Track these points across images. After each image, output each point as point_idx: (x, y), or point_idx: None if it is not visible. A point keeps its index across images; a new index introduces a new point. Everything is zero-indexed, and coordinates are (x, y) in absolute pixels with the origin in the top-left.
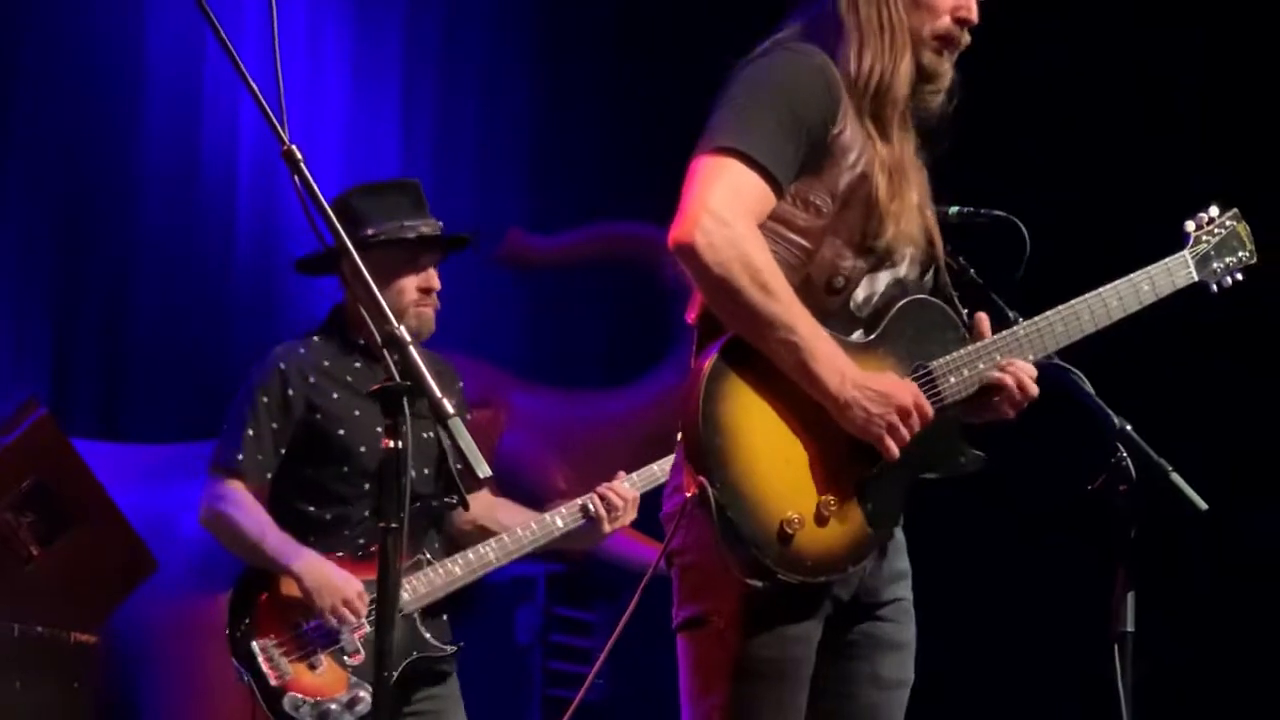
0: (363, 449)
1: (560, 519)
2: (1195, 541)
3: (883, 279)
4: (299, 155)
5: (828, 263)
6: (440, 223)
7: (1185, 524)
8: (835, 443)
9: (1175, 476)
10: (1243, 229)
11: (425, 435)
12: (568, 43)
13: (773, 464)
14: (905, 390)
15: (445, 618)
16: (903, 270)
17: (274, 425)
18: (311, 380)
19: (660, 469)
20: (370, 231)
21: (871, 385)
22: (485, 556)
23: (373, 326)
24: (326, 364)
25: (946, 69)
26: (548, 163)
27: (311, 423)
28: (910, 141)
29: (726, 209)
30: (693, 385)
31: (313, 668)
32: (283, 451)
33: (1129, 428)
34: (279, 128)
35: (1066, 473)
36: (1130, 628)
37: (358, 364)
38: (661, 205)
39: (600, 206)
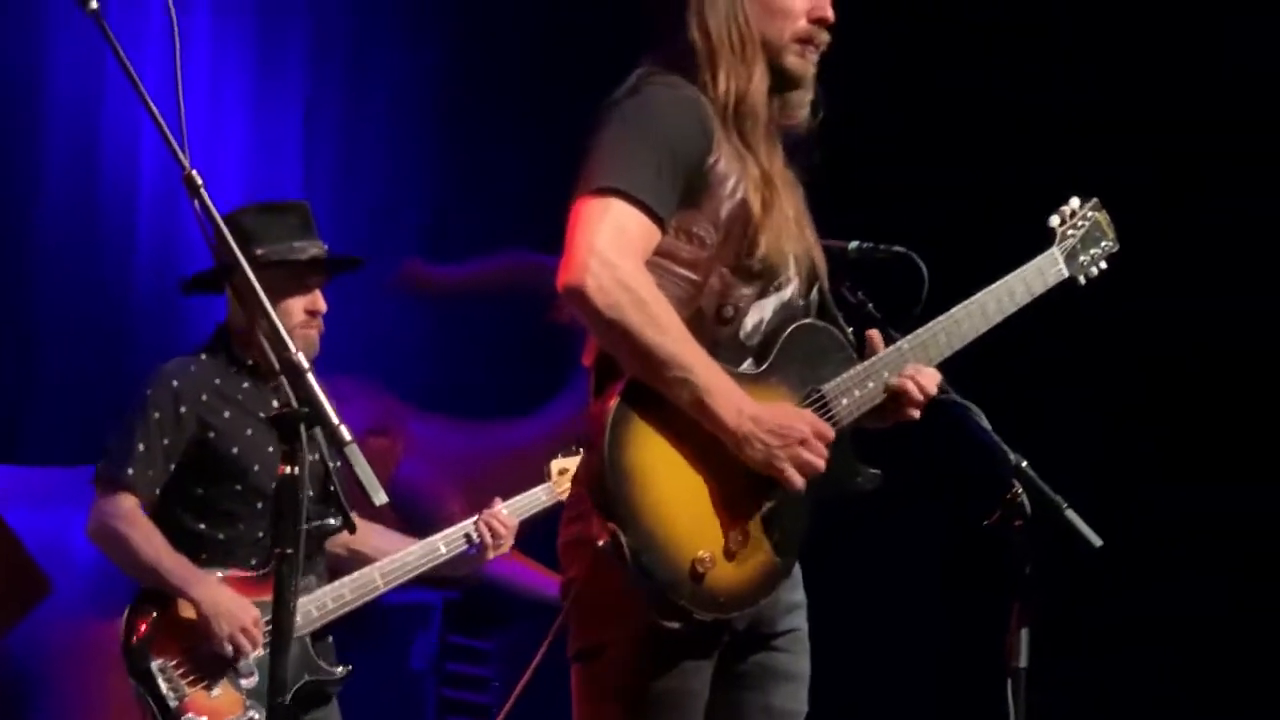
0: (255, 468)
1: (443, 544)
2: (1091, 576)
3: (770, 305)
4: (199, 180)
5: (716, 293)
6: (326, 246)
7: (1081, 559)
8: (737, 477)
9: (1070, 513)
10: (1103, 218)
11: (312, 458)
12: (475, 73)
13: (680, 504)
14: (801, 419)
15: (331, 640)
16: (788, 294)
17: (165, 441)
18: (204, 398)
19: (537, 496)
20: (260, 251)
21: (767, 418)
22: (373, 580)
23: (270, 352)
24: (217, 382)
25: (810, 71)
26: (450, 191)
27: (204, 440)
28: (778, 155)
29: (613, 250)
30: (596, 432)
31: (209, 689)
32: (173, 468)
33: (1025, 464)
34: (179, 152)
35: (963, 508)
36: (1024, 664)
37: (246, 384)
38: (562, 233)
39: (502, 236)
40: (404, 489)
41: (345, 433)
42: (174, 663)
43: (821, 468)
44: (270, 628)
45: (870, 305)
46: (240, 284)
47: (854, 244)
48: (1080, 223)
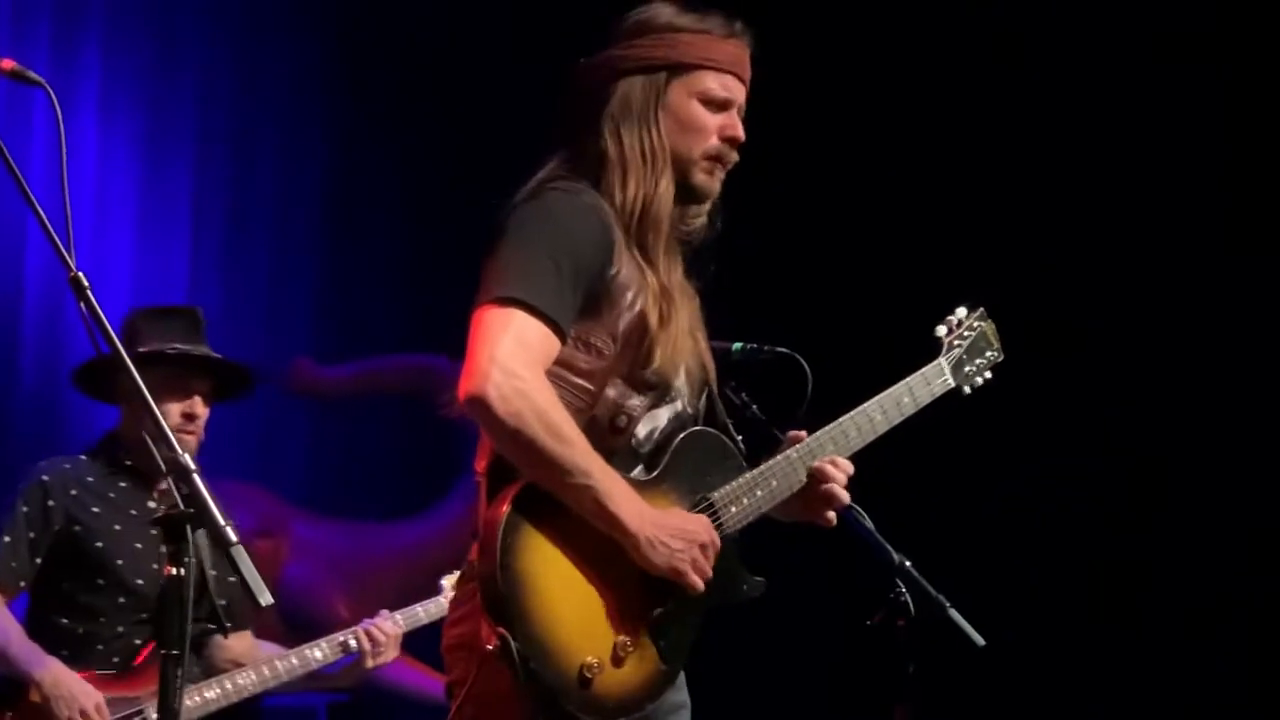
0: (120, 563)
1: (319, 651)
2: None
3: (663, 414)
4: (85, 281)
5: (611, 403)
6: (217, 355)
7: (964, 659)
8: (627, 583)
9: (953, 612)
10: (989, 328)
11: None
12: (358, 172)
13: (570, 610)
14: (700, 524)
15: None
16: (679, 404)
17: (30, 534)
18: (73, 493)
19: (425, 610)
20: (141, 350)
21: (669, 522)
22: (241, 684)
23: (154, 451)
24: (90, 480)
25: (716, 189)
26: (336, 292)
27: (71, 534)
28: (677, 266)
29: (514, 360)
30: (489, 537)
31: None
32: (38, 561)
33: (908, 563)
34: (65, 253)
35: (846, 607)
36: None
37: (123, 484)
38: (449, 335)
39: (388, 337)
40: (290, 591)
41: (231, 533)
42: None
43: (707, 573)
44: None
45: (755, 407)
46: (124, 382)
47: (738, 345)
48: (967, 333)
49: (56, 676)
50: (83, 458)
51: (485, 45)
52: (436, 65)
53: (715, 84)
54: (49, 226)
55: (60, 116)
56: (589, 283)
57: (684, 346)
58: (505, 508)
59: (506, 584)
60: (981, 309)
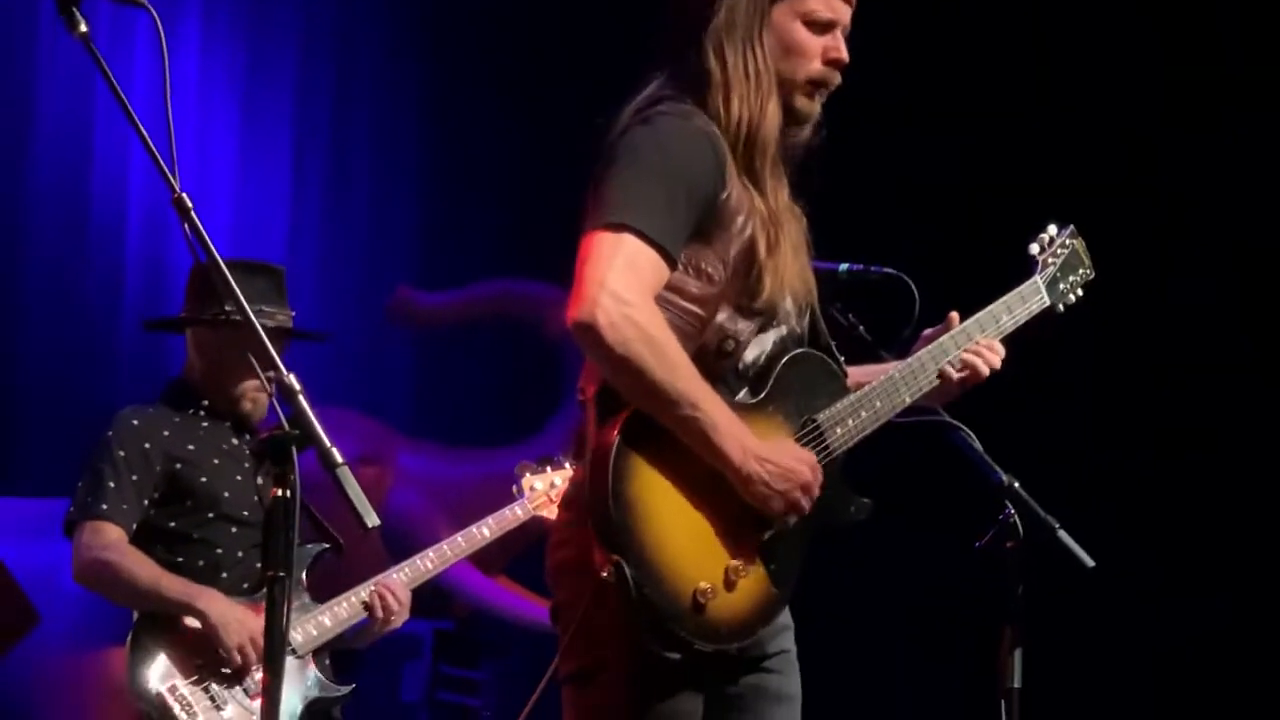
0: (226, 494)
1: (344, 608)
2: (1084, 599)
3: (769, 339)
4: (189, 203)
5: (719, 328)
6: (294, 313)
7: (1074, 581)
8: (735, 509)
9: (1063, 534)
10: (1080, 245)
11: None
12: (461, 90)
13: (681, 536)
14: (804, 461)
15: (329, 661)
16: (785, 328)
17: (134, 477)
18: (166, 433)
19: (428, 563)
20: (228, 309)
21: (773, 460)
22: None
23: (261, 373)
24: (177, 420)
25: (816, 111)
26: (438, 220)
27: (172, 473)
28: (783, 186)
29: (624, 287)
30: (599, 463)
31: (219, 709)
32: (145, 503)
33: (1017, 485)
34: (169, 175)
35: (956, 528)
36: (1018, 684)
37: (205, 424)
38: (549, 264)
39: (488, 263)
40: (394, 518)
41: (337, 455)
42: (182, 685)
43: (807, 509)
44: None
45: (861, 328)
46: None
47: (844, 266)
48: (1060, 250)
49: (220, 606)
50: (159, 404)
51: None
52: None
53: (820, 5)
54: (153, 147)
55: (164, 39)
56: (700, 209)
57: (791, 271)
58: (615, 435)
59: (619, 511)
60: (1072, 226)
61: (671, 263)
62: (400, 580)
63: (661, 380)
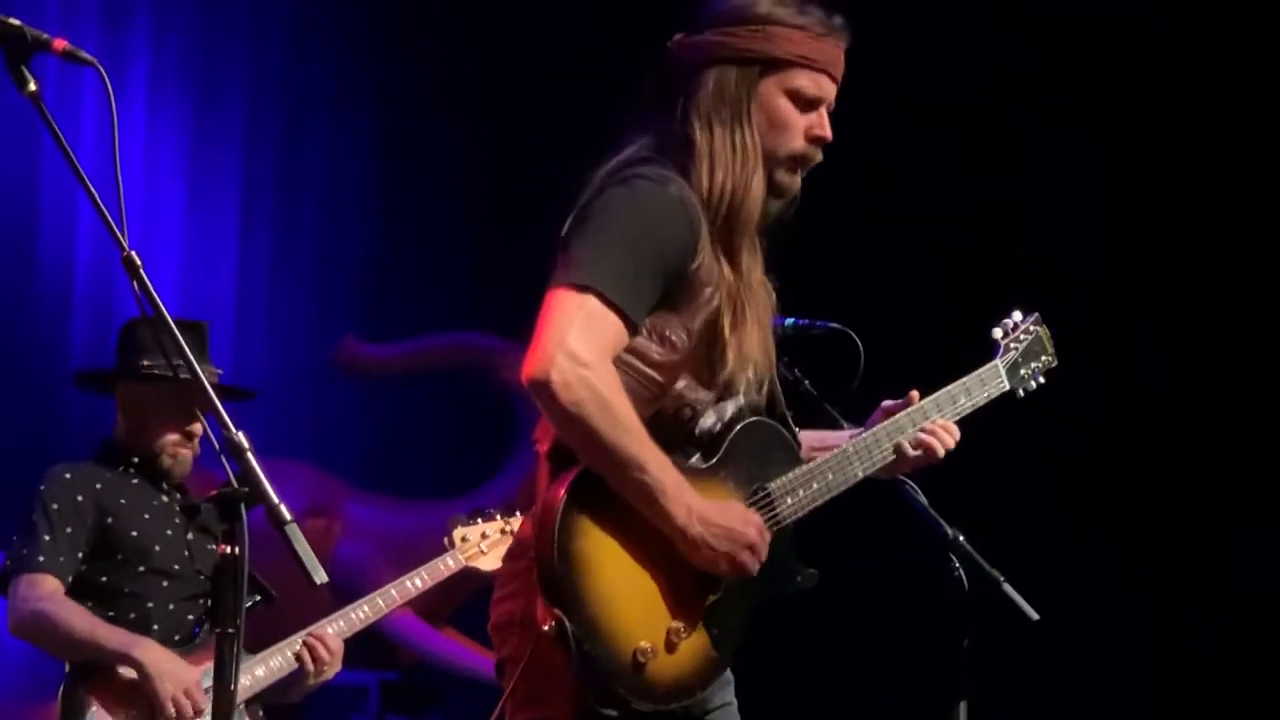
0: (156, 549)
1: (277, 659)
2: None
3: (728, 407)
4: (138, 261)
5: (678, 395)
6: (219, 370)
7: (1019, 633)
8: (680, 572)
9: (1007, 587)
10: (1044, 333)
11: (210, 547)
12: (410, 146)
13: (624, 595)
14: (749, 525)
15: (261, 713)
16: (743, 397)
17: (68, 529)
18: (98, 487)
19: (361, 614)
20: (146, 363)
21: (717, 521)
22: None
23: (210, 434)
24: (108, 475)
25: (797, 186)
26: (386, 272)
27: (103, 526)
28: (758, 263)
29: (583, 347)
30: (547, 520)
31: None
32: (79, 555)
33: (961, 538)
34: (118, 233)
35: (901, 583)
36: None
37: (135, 480)
38: (497, 317)
39: (439, 315)
40: (342, 569)
41: (285, 512)
42: None
43: (754, 570)
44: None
45: (807, 382)
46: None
47: (789, 320)
48: (1023, 336)
49: (156, 655)
50: (89, 463)
51: (541, 14)
52: (490, 37)
53: (808, 82)
54: (101, 206)
55: (112, 95)
56: (669, 277)
57: (753, 345)
58: (564, 491)
59: (563, 565)
60: (1036, 314)
61: (633, 328)
62: (332, 631)
63: (611, 442)
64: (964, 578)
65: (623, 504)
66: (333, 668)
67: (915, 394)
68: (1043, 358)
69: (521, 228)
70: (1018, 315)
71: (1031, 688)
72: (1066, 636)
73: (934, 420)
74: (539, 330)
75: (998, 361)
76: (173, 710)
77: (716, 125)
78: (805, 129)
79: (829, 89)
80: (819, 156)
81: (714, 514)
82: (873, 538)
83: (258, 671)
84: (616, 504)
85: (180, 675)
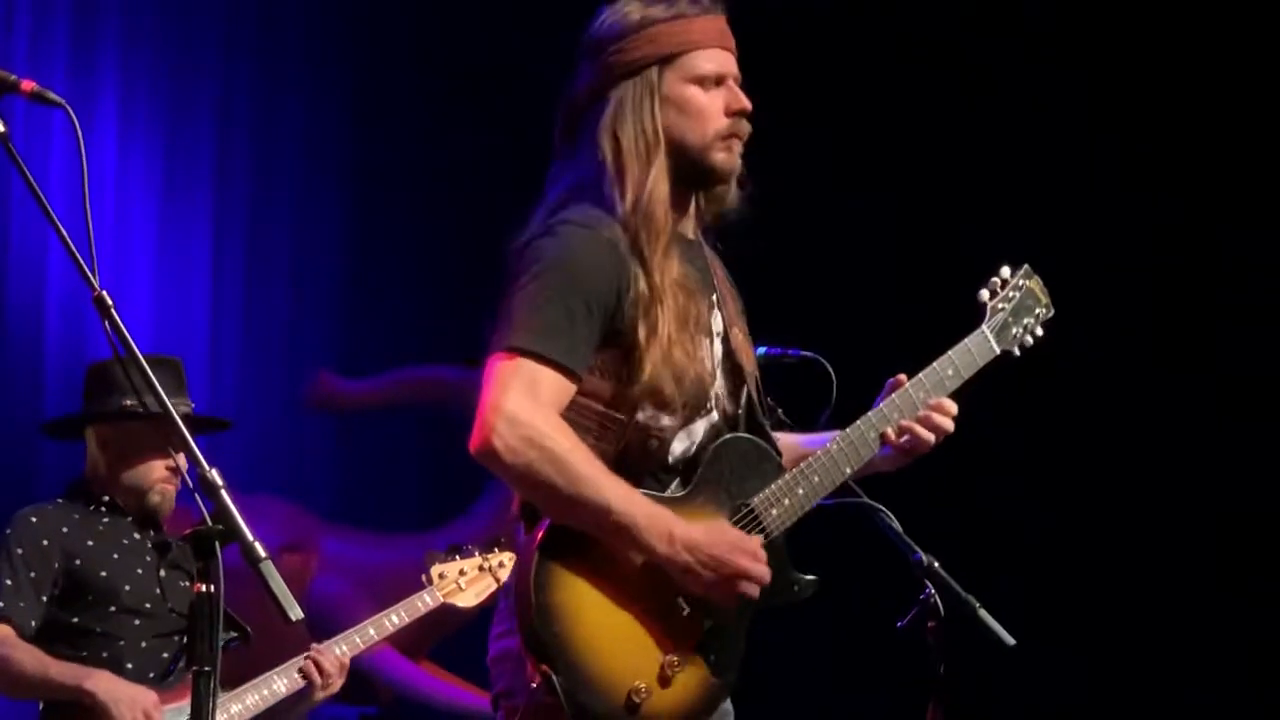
0: (127, 588)
1: (282, 682)
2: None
3: (699, 428)
4: (109, 301)
5: (640, 427)
6: (194, 404)
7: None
8: (668, 603)
9: (983, 612)
10: (1035, 285)
11: (182, 584)
12: (381, 176)
13: (610, 638)
14: (737, 546)
15: None
16: (715, 414)
17: (32, 574)
18: (65, 529)
19: (374, 629)
20: (127, 403)
21: (703, 547)
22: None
23: (183, 469)
24: (76, 517)
25: (737, 164)
26: (360, 304)
27: (70, 569)
28: (680, 266)
29: (520, 409)
30: (522, 576)
31: None
32: (44, 599)
33: (936, 564)
34: (89, 273)
35: (877, 609)
36: None
37: (106, 519)
38: (473, 349)
39: (409, 349)
40: (317, 605)
41: (260, 549)
42: None
43: (755, 596)
44: None
45: (780, 410)
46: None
47: (761, 350)
48: (1011, 293)
49: (109, 683)
50: (59, 501)
51: (506, 53)
52: (458, 73)
53: (705, 62)
54: (72, 246)
55: (81, 137)
56: (604, 319)
57: (682, 347)
58: (535, 547)
59: (542, 621)
60: (1026, 266)
61: (574, 378)
62: (333, 649)
63: (569, 493)
64: (939, 603)
65: (597, 549)
66: (338, 681)
67: (903, 377)
68: (1036, 310)
69: (499, 258)
70: (1005, 271)
71: (1008, 714)
72: (1043, 661)
73: (925, 403)
74: (480, 400)
75: (983, 327)
76: None
77: (622, 136)
78: (722, 107)
79: (727, 61)
80: (747, 128)
81: (701, 539)
82: (848, 563)
83: (232, 708)
84: (590, 550)
85: (135, 698)
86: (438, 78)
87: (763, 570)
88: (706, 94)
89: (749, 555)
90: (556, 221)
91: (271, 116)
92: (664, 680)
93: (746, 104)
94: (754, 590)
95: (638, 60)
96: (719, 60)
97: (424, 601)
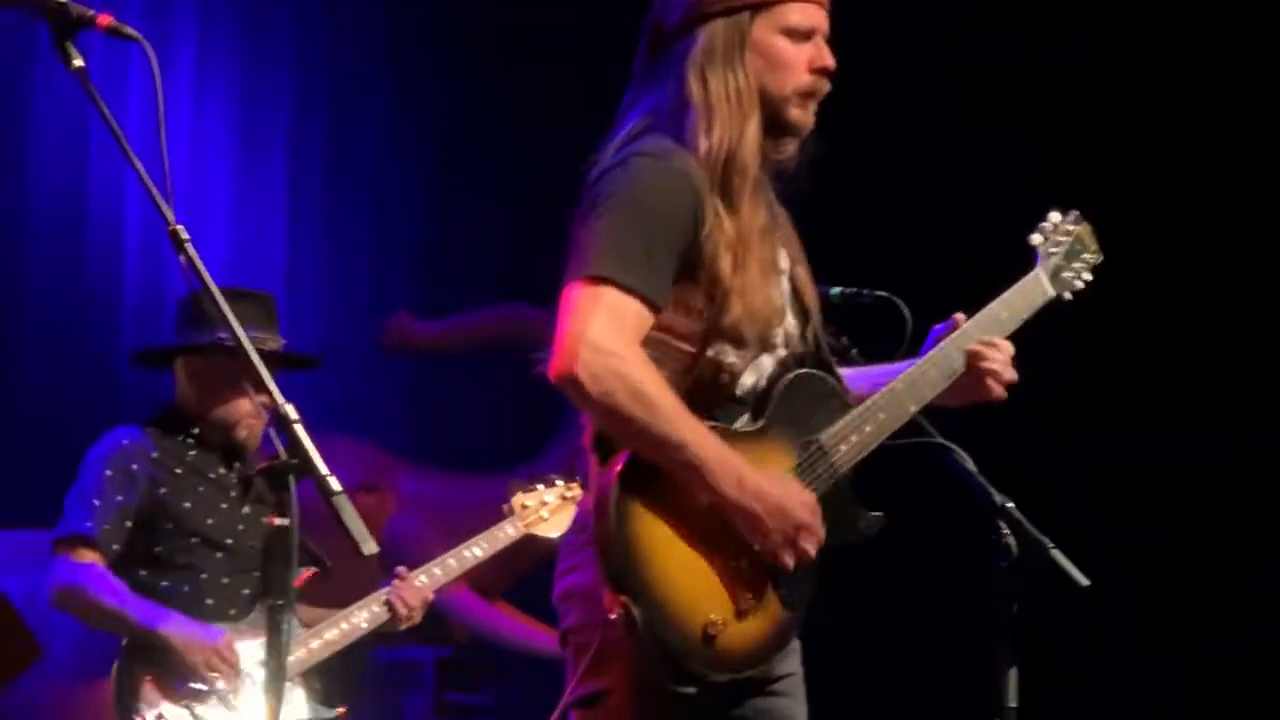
0: (209, 522)
1: (365, 616)
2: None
3: (767, 363)
4: (184, 235)
5: (712, 362)
6: (284, 340)
7: (1068, 600)
8: (742, 538)
9: (1056, 553)
10: (1085, 230)
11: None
12: (461, 114)
13: (687, 571)
14: (800, 501)
15: (320, 686)
16: (783, 350)
17: (119, 498)
18: (153, 456)
19: (455, 561)
20: (222, 336)
21: (770, 498)
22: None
23: (271, 405)
24: (165, 444)
25: (810, 122)
26: (438, 243)
27: (156, 497)
28: (761, 210)
29: (605, 338)
30: (601, 508)
31: None
32: (128, 525)
33: (1010, 504)
34: (165, 207)
35: (949, 550)
36: (1013, 704)
37: (193, 451)
38: (549, 291)
39: (490, 288)
40: (394, 544)
41: (334, 483)
42: (169, 710)
43: (812, 554)
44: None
45: (854, 350)
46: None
47: (836, 289)
48: (1062, 238)
49: (180, 626)
50: (149, 428)
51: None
52: (540, 13)
53: (798, 15)
54: (148, 180)
55: (157, 70)
56: (680, 250)
57: (764, 293)
58: (614, 477)
59: (622, 553)
60: (1076, 212)
61: (654, 309)
62: (416, 580)
63: (647, 425)
64: (1013, 544)
65: (673, 481)
66: (419, 614)
67: (960, 316)
68: (1084, 255)
69: (569, 202)
70: (1055, 216)
71: (1081, 655)
72: (1117, 602)
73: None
74: (560, 327)
75: (1039, 269)
76: (206, 673)
77: (711, 78)
78: (807, 62)
79: (819, 17)
80: (827, 86)
81: (770, 489)
82: (920, 503)
83: (312, 644)
84: (667, 482)
85: (205, 640)
86: (517, 7)
87: (821, 529)
88: (794, 47)
89: (811, 510)
90: (630, 153)
91: (352, 53)
92: (740, 614)
93: (831, 63)
94: (812, 547)
95: (733, 3)
96: (811, 14)
97: (505, 532)
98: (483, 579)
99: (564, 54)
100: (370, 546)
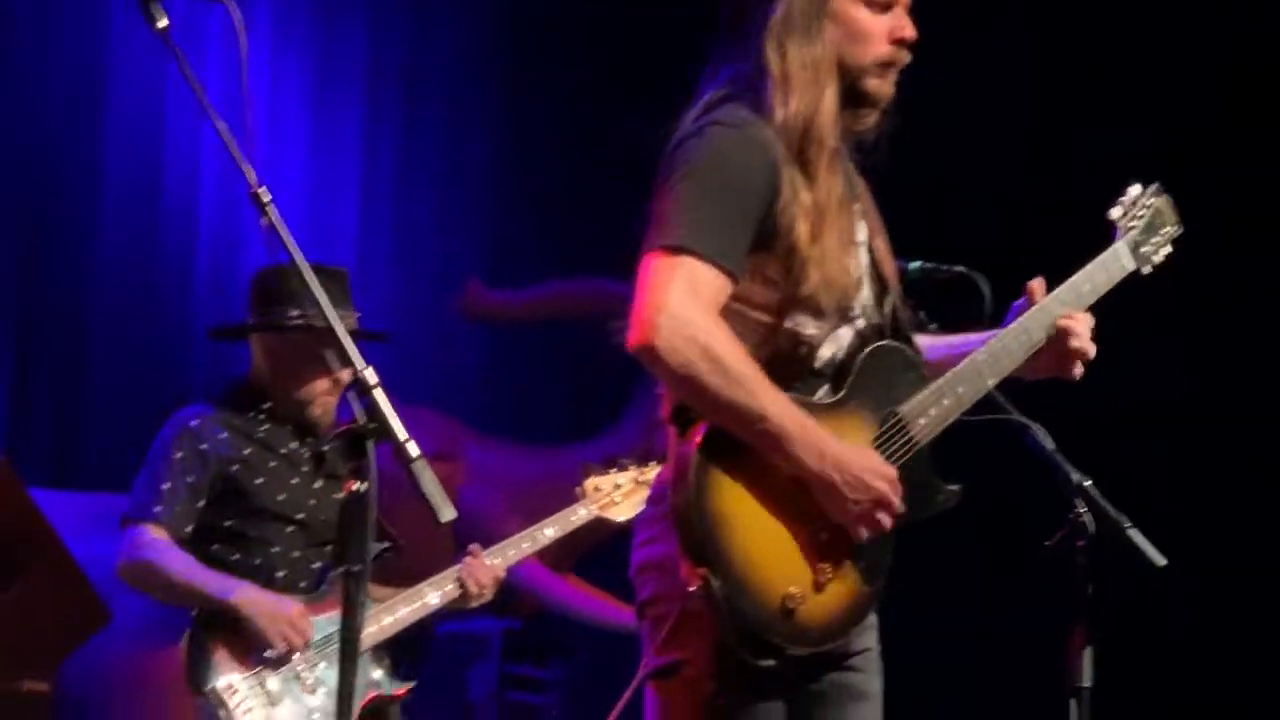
0: (281, 497)
1: (436, 595)
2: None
3: (845, 334)
4: (266, 197)
5: (790, 333)
6: (359, 314)
7: (1144, 579)
8: (822, 510)
9: (1133, 532)
10: (1163, 203)
11: (336, 495)
12: (533, 87)
13: (766, 543)
14: (881, 473)
15: (389, 659)
16: (862, 321)
17: (189, 478)
18: (223, 435)
19: (527, 543)
20: (295, 313)
21: (851, 469)
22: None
23: (338, 371)
24: (236, 422)
25: (890, 92)
26: (511, 209)
27: (227, 475)
28: (838, 181)
29: (683, 307)
30: (680, 478)
31: (273, 704)
32: (200, 505)
33: (1088, 483)
34: (247, 168)
35: (1026, 527)
36: (1088, 683)
37: (265, 426)
38: (620, 264)
39: (563, 256)
40: (465, 514)
41: (413, 448)
42: (239, 680)
43: (888, 528)
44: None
45: (932, 326)
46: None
47: (915, 264)
48: (1141, 211)
49: (253, 596)
50: (219, 405)
51: None
52: None
53: None
54: (231, 141)
55: (242, 31)
56: (758, 220)
57: (841, 262)
58: (693, 449)
59: (702, 524)
60: (1156, 184)
61: (732, 278)
62: (485, 559)
63: (726, 396)
64: (1090, 523)
65: (753, 453)
66: (490, 591)
67: (1035, 284)
68: (1165, 229)
69: (643, 175)
70: (1135, 189)
71: (1157, 635)
72: (1194, 582)
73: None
74: (638, 297)
75: (1120, 243)
76: (281, 645)
77: (790, 47)
78: (887, 33)
79: None
80: (907, 57)
81: (851, 460)
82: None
83: (384, 618)
84: (746, 455)
85: (279, 610)
86: None
87: (899, 502)
88: (874, 17)
89: (891, 483)
90: (707, 122)
91: (424, 26)
92: (818, 586)
93: (912, 34)
94: (888, 520)
95: None
96: None
97: (577, 514)
98: (552, 553)
99: (640, 23)
100: (448, 512)
